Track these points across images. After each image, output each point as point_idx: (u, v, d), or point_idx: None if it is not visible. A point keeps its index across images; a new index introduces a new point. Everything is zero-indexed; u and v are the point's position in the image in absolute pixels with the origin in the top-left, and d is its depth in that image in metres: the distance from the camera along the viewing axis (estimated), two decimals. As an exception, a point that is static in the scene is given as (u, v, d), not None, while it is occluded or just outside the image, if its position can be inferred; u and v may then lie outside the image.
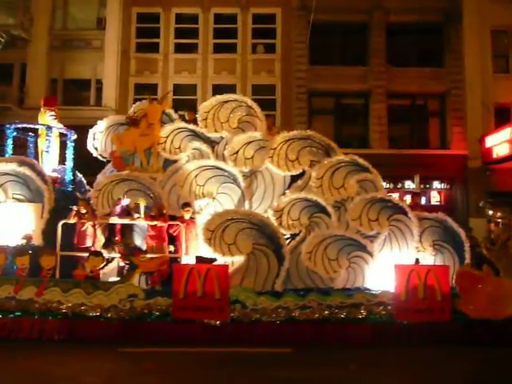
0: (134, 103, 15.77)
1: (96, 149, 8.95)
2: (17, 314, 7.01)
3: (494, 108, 16.73)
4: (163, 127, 8.44)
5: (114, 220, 7.51)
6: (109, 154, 8.76)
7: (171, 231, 7.61)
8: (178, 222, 7.56)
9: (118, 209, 7.58)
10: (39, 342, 6.76)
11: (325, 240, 7.73)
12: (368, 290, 7.35)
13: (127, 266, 7.22)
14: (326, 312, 7.00)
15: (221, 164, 8.07)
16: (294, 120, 16.60)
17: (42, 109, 9.10)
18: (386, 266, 7.61)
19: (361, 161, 8.05)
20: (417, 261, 7.72)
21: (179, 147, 8.34)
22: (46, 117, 8.93)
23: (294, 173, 8.06)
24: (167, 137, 8.40)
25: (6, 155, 8.57)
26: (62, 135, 9.20)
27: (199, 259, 7.58)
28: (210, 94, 16.64)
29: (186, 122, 8.58)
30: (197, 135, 8.37)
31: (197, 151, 8.28)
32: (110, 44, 17.22)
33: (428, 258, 7.89)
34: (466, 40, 17.22)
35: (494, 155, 15.62)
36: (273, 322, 6.95)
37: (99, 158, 9.02)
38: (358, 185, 7.92)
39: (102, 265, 7.21)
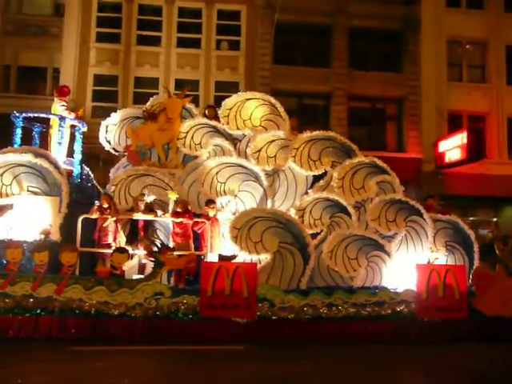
0: (93, 95, 16.13)
1: (109, 142, 8.66)
2: (34, 312, 6.74)
3: (447, 114, 17.44)
4: (183, 122, 8.30)
5: (139, 216, 7.30)
6: (123, 148, 8.50)
7: (196, 228, 7.51)
8: (204, 219, 7.47)
9: (142, 205, 7.37)
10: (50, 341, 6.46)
11: (345, 239, 7.88)
12: (386, 288, 7.54)
13: (152, 263, 7.03)
14: (352, 310, 7.19)
15: (243, 162, 8.04)
16: None
17: (55, 99, 8.71)
18: (403, 266, 7.93)
19: (379, 163, 8.28)
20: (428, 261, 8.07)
21: (200, 143, 8.23)
22: (57, 107, 8.54)
23: (316, 173, 8.15)
24: (187, 132, 8.27)
25: (15, 145, 8.15)
26: (71, 127, 8.84)
27: (220, 257, 7.56)
28: (173, 88, 16.28)
29: (207, 118, 8.47)
30: (218, 132, 8.29)
31: (218, 148, 8.20)
32: (69, 32, 16.47)
33: (441, 258, 8.22)
34: (423, 48, 17.83)
35: (447, 160, 16.45)
36: (300, 320, 7.06)
37: (112, 151, 8.74)
38: (377, 186, 8.13)
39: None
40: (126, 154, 8.47)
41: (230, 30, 17.26)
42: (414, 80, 17.82)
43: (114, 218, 7.28)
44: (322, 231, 7.97)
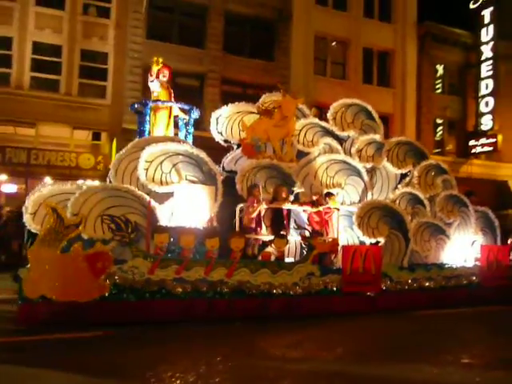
0: None
1: (220, 133, 9.07)
2: (207, 295, 7.16)
3: (312, 106, 17.57)
4: (297, 121, 9.15)
5: (287, 206, 8.09)
6: (239, 140, 9.01)
7: (326, 216, 8.56)
8: (333, 208, 8.57)
9: (285, 195, 8.14)
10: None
11: (422, 226, 9.74)
12: (464, 265, 9.56)
13: (305, 247, 7.95)
14: (442, 282, 9.12)
15: (348, 159, 9.28)
16: (125, 94, 16.29)
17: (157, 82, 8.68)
18: (456, 246, 10.11)
19: (442, 165, 10.29)
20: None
21: (312, 141, 9.20)
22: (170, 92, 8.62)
23: (403, 171, 9.80)
24: (301, 130, 9.16)
25: (145, 133, 8.13)
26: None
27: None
28: (30, 50, 15.47)
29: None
30: (327, 132, 9.35)
31: (327, 146, 9.27)
32: None
33: (478, 240, 10.60)
34: (293, 40, 18.83)
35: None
36: (408, 291, 8.71)
37: (222, 143, 9.15)
38: (442, 183, 10.13)
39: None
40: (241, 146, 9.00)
41: (100, -6, 16.18)
42: (284, 69, 18.60)
43: (264, 206, 7.95)
44: (407, 219, 9.67)
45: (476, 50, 22.73)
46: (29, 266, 6.25)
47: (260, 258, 7.79)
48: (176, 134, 8.91)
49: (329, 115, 9.55)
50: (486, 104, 22.46)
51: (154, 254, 6.92)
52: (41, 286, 6.27)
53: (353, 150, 9.40)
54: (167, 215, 7.32)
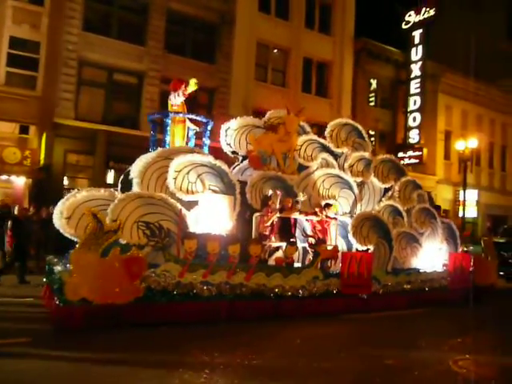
0: None
1: (229, 145, 9.64)
2: (229, 297, 7.74)
3: (252, 111, 18.18)
4: (298, 136, 9.96)
5: (296, 215, 8.85)
6: (246, 152, 9.64)
7: (325, 225, 9.43)
8: (332, 218, 9.47)
9: (299, 205, 8.90)
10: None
11: (400, 235, 10.95)
12: (436, 270, 10.87)
13: (312, 253, 8.76)
14: (420, 285, 10.35)
15: (342, 173, 10.24)
16: (58, 87, 16.00)
17: (175, 96, 9.10)
18: (427, 253, 11.46)
19: (417, 181, 11.61)
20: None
21: (311, 156, 10.05)
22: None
23: (387, 186, 10.94)
24: (302, 145, 9.98)
25: (166, 144, 8.52)
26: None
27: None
28: None
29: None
30: (324, 148, 10.24)
31: (324, 161, 10.17)
32: None
33: (444, 248, 12.04)
34: (235, 45, 19.10)
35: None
36: (393, 293, 9.83)
37: (230, 154, 9.73)
38: (417, 197, 11.43)
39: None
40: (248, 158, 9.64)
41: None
42: (225, 73, 18.92)
43: (278, 215, 8.66)
44: (388, 229, 10.82)
45: (406, 67, 24.85)
46: (71, 269, 6.49)
47: (273, 262, 8.50)
48: (186, 144, 9.35)
49: (326, 133, 10.51)
50: (414, 119, 24.74)
51: (183, 258, 7.39)
52: (82, 289, 6.52)
53: (346, 166, 10.41)
54: (192, 222, 7.79)
